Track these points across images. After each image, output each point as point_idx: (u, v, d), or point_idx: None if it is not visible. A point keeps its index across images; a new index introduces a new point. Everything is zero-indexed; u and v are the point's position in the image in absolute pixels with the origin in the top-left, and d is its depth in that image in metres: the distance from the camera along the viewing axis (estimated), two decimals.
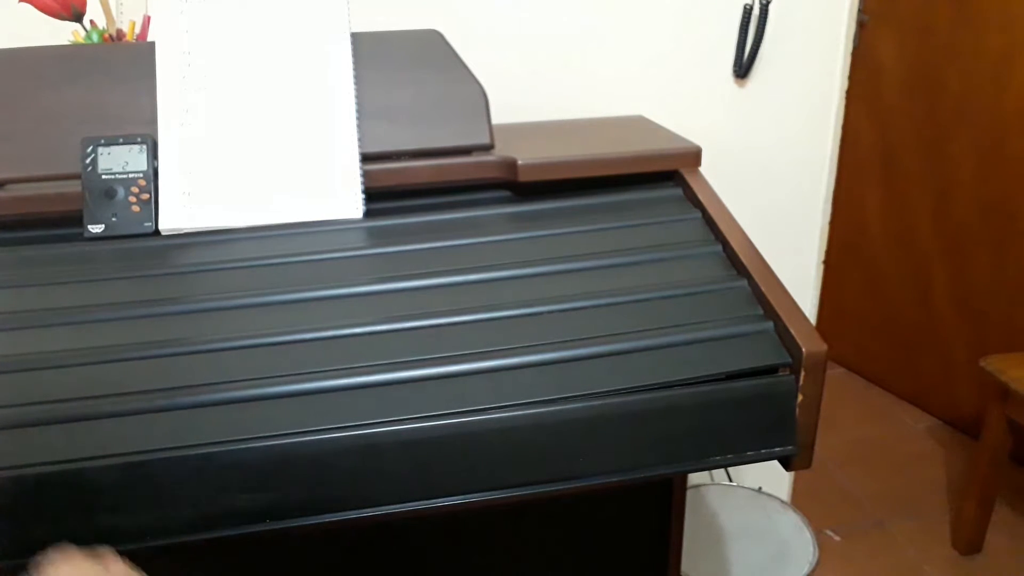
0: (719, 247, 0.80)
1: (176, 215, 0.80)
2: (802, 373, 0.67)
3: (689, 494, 1.07)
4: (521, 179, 0.86)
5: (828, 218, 1.37)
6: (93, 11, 0.93)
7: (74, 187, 0.79)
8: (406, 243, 0.80)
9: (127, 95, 0.83)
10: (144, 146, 0.80)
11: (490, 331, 0.69)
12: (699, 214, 0.85)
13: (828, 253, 1.40)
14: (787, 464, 0.71)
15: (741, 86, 1.24)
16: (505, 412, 0.64)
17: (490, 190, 0.89)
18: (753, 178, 1.30)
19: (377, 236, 0.81)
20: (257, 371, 0.65)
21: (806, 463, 0.71)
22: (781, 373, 0.69)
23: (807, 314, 0.82)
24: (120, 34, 0.95)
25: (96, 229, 0.79)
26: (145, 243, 0.79)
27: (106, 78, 0.83)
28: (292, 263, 0.77)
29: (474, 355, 0.67)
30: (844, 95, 1.29)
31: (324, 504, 0.63)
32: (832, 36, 1.25)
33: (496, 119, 0.89)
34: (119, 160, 0.79)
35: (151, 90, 0.81)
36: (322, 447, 0.61)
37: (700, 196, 0.86)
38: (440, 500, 0.65)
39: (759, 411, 0.68)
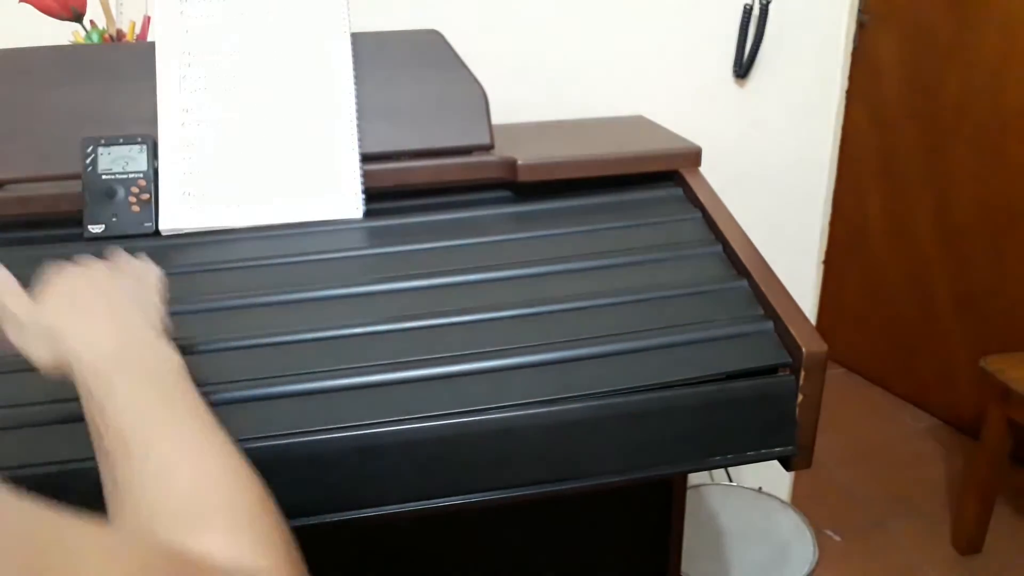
0: (719, 247, 0.80)
1: (176, 215, 0.80)
2: (802, 373, 0.67)
3: (689, 494, 1.07)
4: (521, 179, 0.86)
5: (828, 218, 1.37)
6: (93, 11, 0.93)
7: (74, 187, 0.79)
8: (406, 243, 0.80)
9: (127, 95, 0.83)
10: (144, 146, 0.80)
11: (490, 331, 0.69)
12: (699, 214, 0.85)
13: (828, 253, 1.40)
14: (787, 464, 0.71)
15: (741, 86, 1.24)
16: (505, 412, 0.64)
17: (490, 190, 0.89)
18: (753, 178, 1.30)
19: (377, 236, 0.81)
20: (257, 371, 0.65)
21: (806, 463, 0.71)
22: (781, 373, 0.69)
23: (807, 314, 0.82)
24: (120, 34, 0.95)
25: (96, 229, 0.79)
26: (145, 243, 0.79)
27: (106, 78, 0.83)
28: (292, 263, 0.77)
29: (474, 355, 0.67)
30: (844, 95, 1.29)
31: (324, 504, 0.63)
32: (832, 36, 1.25)
33: (496, 119, 0.89)
34: (119, 160, 0.79)
35: (151, 90, 0.81)
36: (322, 447, 0.61)
37: (700, 196, 0.86)
38: (440, 500, 0.65)
39: (759, 411, 0.68)
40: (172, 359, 0.50)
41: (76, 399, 0.61)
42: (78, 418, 0.61)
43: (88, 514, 0.32)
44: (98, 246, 0.78)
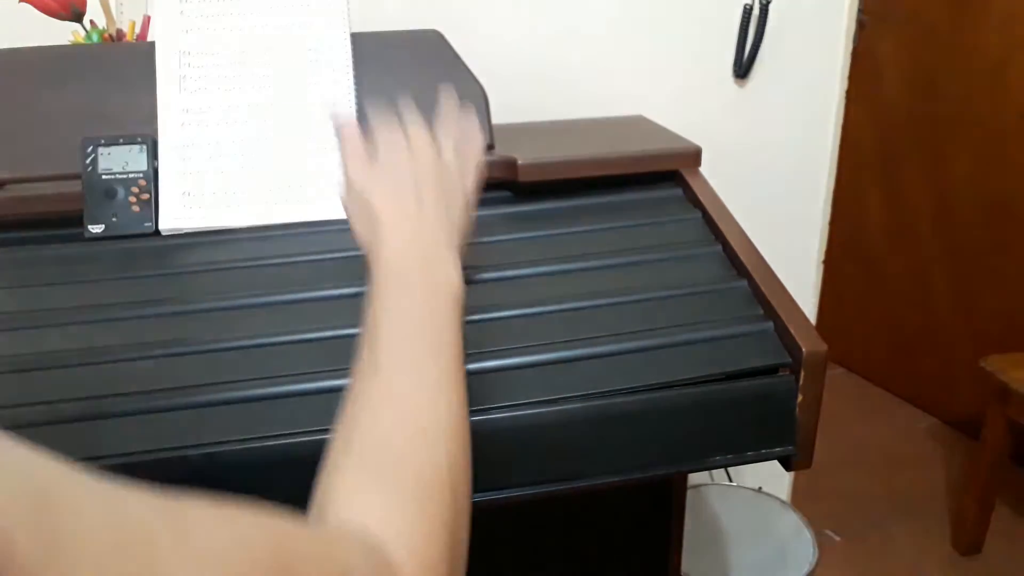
0: (719, 247, 0.80)
1: (176, 215, 0.80)
2: (802, 373, 0.67)
3: (689, 494, 1.07)
4: (521, 179, 0.86)
5: (828, 218, 1.37)
6: (93, 11, 0.93)
7: (74, 187, 0.79)
8: None
9: (127, 95, 0.83)
10: (144, 146, 0.80)
11: (490, 331, 0.69)
12: (699, 214, 0.85)
13: (828, 253, 1.40)
14: (787, 464, 0.71)
15: (741, 86, 1.24)
16: (505, 412, 0.64)
17: (490, 190, 0.89)
18: (753, 178, 1.29)
19: None
20: (257, 371, 0.65)
21: (806, 463, 0.71)
22: (781, 373, 0.69)
23: (807, 314, 0.82)
24: (120, 34, 0.95)
25: (96, 229, 0.79)
26: (145, 243, 0.79)
27: (106, 78, 0.83)
28: (292, 263, 0.77)
29: (475, 355, 0.67)
30: (844, 95, 1.29)
31: None
32: (832, 36, 1.25)
33: (496, 119, 0.89)
34: (119, 160, 0.79)
35: (151, 90, 0.81)
36: (322, 448, 0.61)
37: (700, 196, 0.86)
38: None
39: (759, 411, 0.68)
40: (452, 283, 0.50)
41: (76, 399, 0.62)
42: (78, 418, 0.61)
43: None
44: (99, 246, 0.78)
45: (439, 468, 0.41)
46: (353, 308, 0.71)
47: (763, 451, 0.69)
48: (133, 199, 0.79)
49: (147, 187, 0.79)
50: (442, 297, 0.49)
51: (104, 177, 0.79)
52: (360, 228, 0.54)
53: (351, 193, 0.55)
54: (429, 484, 0.40)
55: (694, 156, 0.91)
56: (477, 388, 0.65)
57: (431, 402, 0.44)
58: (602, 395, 0.65)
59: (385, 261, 0.50)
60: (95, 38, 0.93)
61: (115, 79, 0.83)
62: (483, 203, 0.88)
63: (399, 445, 0.41)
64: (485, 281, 0.75)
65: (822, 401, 0.69)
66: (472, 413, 0.63)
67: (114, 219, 0.79)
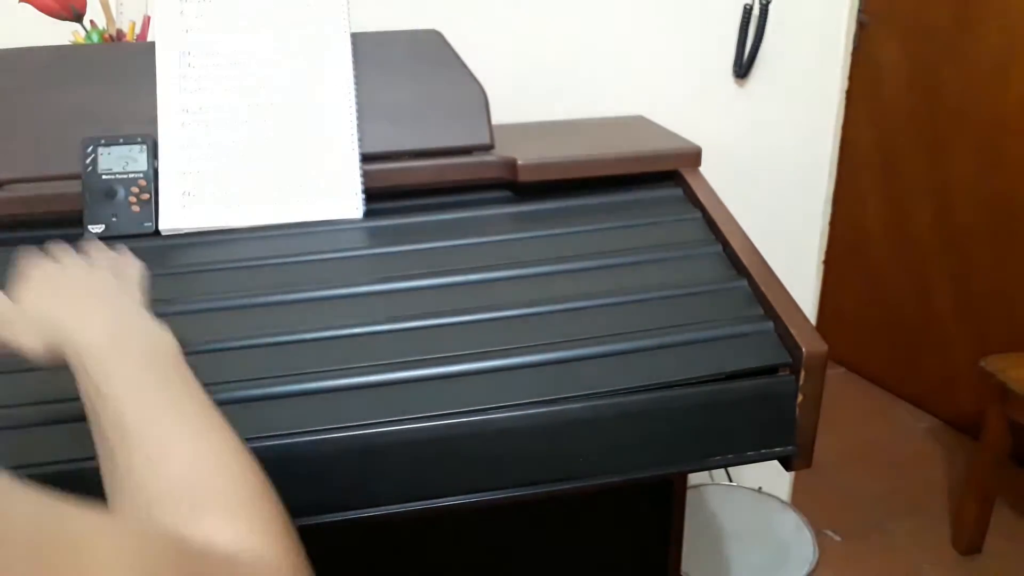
0: (719, 247, 0.80)
1: (176, 215, 0.80)
2: (802, 373, 0.67)
3: (689, 494, 1.07)
4: (521, 179, 0.86)
5: (828, 218, 1.37)
6: (93, 11, 0.93)
7: (74, 187, 0.79)
8: (406, 243, 0.80)
9: (127, 95, 0.83)
10: (144, 146, 0.80)
11: (490, 331, 0.69)
12: (699, 214, 0.85)
13: (828, 253, 1.40)
14: (787, 464, 0.71)
15: (741, 86, 1.24)
16: (505, 412, 0.64)
17: (490, 190, 0.89)
18: (753, 178, 1.29)
19: (377, 236, 0.81)
20: (257, 371, 0.65)
21: (806, 463, 0.71)
22: (781, 373, 0.69)
23: (807, 314, 0.82)
24: (120, 34, 0.95)
25: (96, 229, 0.79)
26: (145, 243, 0.79)
27: (106, 78, 0.83)
28: (292, 263, 0.77)
29: (474, 355, 0.67)
30: (844, 95, 1.29)
31: (324, 504, 0.63)
32: (832, 36, 1.25)
33: (496, 119, 0.89)
34: (119, 160, 0.79)
35: (151, 90, 0.81)
36: (322, 447, 0.61)
37: (700, 196, 0.86)
38: (440, 500, 0.65)
39: (759, 411, 0.68)
40: (167, 341, 0.51)
41: (76, 399, 0.61)
42: (79, 418, 0.61)
43: (91, 504, 0.33)
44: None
45: (241, 477, 0.44)
46: (352, 308, 0.71)
47: (763, 451, 0.69)
48: (133, 199, 0.79)
49: (147, 187, 0.79)
50: (162, 356, 0.50)
51: (104, 177, 0.79)
52: (35, 344, 0.51)
53: (6, 323, 0.52)
54: (243, 493, 0.43)
55: (694, 156, 0.91)
56: (477, 388, 0.65)
57: (199, 432, 0.45)
58: (602, 395, 0.65)
59: (86, 348, 0.48)
60: (95, 38, 0.93)
61: (115, 79, 0.83)
62: (483, 203, 0.88)
63: (201, 478, 0.42)
64: (485, 281, 0.75)
65: (822, 401, 0.69)
66: (472, 413, 0.64)
67: (114, 219, 0.79)
